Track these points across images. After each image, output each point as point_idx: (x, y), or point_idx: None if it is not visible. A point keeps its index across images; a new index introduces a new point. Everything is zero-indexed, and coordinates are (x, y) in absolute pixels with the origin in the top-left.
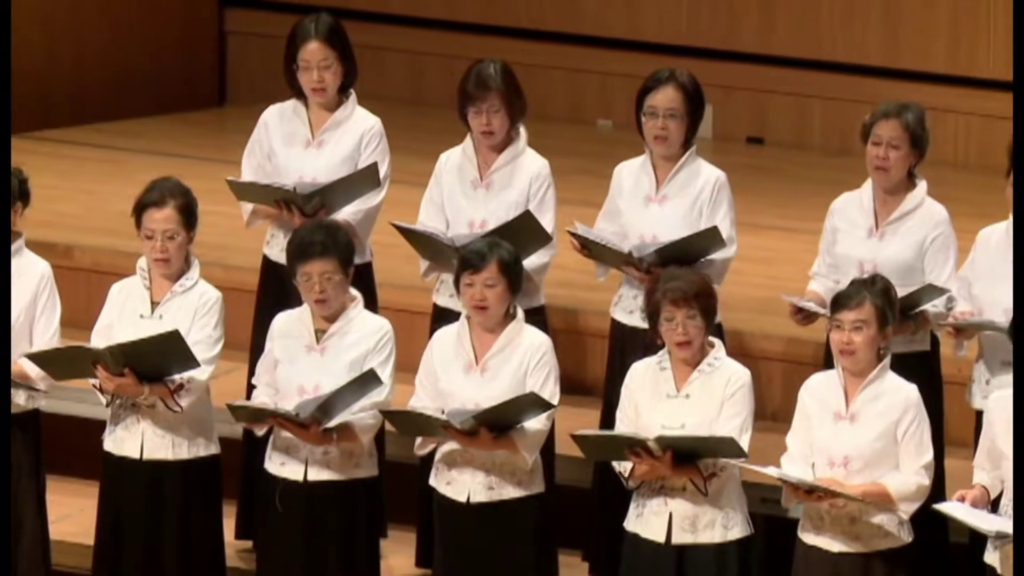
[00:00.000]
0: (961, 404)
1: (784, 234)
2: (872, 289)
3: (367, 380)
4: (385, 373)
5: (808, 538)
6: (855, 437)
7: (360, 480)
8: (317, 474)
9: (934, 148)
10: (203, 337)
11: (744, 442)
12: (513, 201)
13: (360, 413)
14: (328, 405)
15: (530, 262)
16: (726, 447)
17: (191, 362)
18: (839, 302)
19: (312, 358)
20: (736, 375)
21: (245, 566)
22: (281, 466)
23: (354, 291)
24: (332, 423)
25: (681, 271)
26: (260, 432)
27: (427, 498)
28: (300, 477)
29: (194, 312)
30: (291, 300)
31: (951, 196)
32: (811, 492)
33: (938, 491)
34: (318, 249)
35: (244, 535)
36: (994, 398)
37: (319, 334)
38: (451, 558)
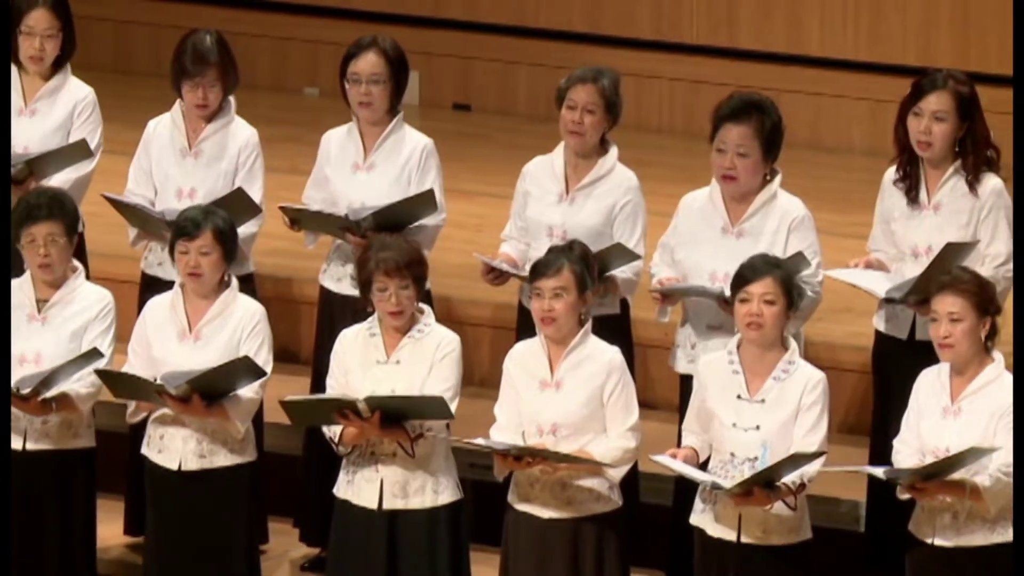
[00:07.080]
0: (663, 368)
1: (491, 200)
2: (570, 255)
3: (90, 357)
4: (105, 343)
5: (518, 504)
6: (562, 404)
7: (78, 450)
8: (35, 444)
9: (639, 113)
10: None
11: (452, 406)
12: (223, 170)
13: (77, 383)
14: (49, 379)
15: (239, 232)
16: (435, 407)
17: None
18: (538, 270)
19: (33, 327)
20: (446, 340)
21: None
22: None
23: (76, 262)
24: (51, 393)
25: (392, 240)
26: None
27: (137, 467)
28: (19, 447)
29: None
30: (14, 270)
31: (656, 161)
32: (520, 459)
33: None
34: (44, 212)
35: None
36: (704, 361)
37: (41, 304)
38: (163, 525)
